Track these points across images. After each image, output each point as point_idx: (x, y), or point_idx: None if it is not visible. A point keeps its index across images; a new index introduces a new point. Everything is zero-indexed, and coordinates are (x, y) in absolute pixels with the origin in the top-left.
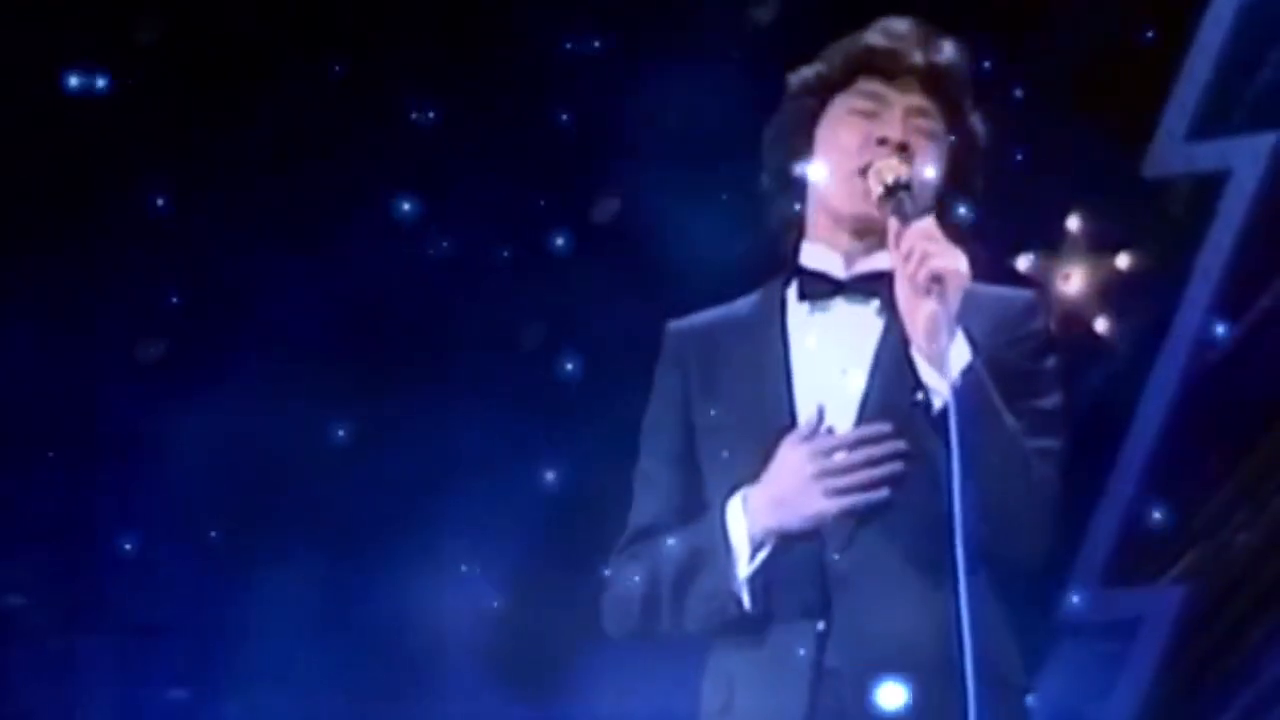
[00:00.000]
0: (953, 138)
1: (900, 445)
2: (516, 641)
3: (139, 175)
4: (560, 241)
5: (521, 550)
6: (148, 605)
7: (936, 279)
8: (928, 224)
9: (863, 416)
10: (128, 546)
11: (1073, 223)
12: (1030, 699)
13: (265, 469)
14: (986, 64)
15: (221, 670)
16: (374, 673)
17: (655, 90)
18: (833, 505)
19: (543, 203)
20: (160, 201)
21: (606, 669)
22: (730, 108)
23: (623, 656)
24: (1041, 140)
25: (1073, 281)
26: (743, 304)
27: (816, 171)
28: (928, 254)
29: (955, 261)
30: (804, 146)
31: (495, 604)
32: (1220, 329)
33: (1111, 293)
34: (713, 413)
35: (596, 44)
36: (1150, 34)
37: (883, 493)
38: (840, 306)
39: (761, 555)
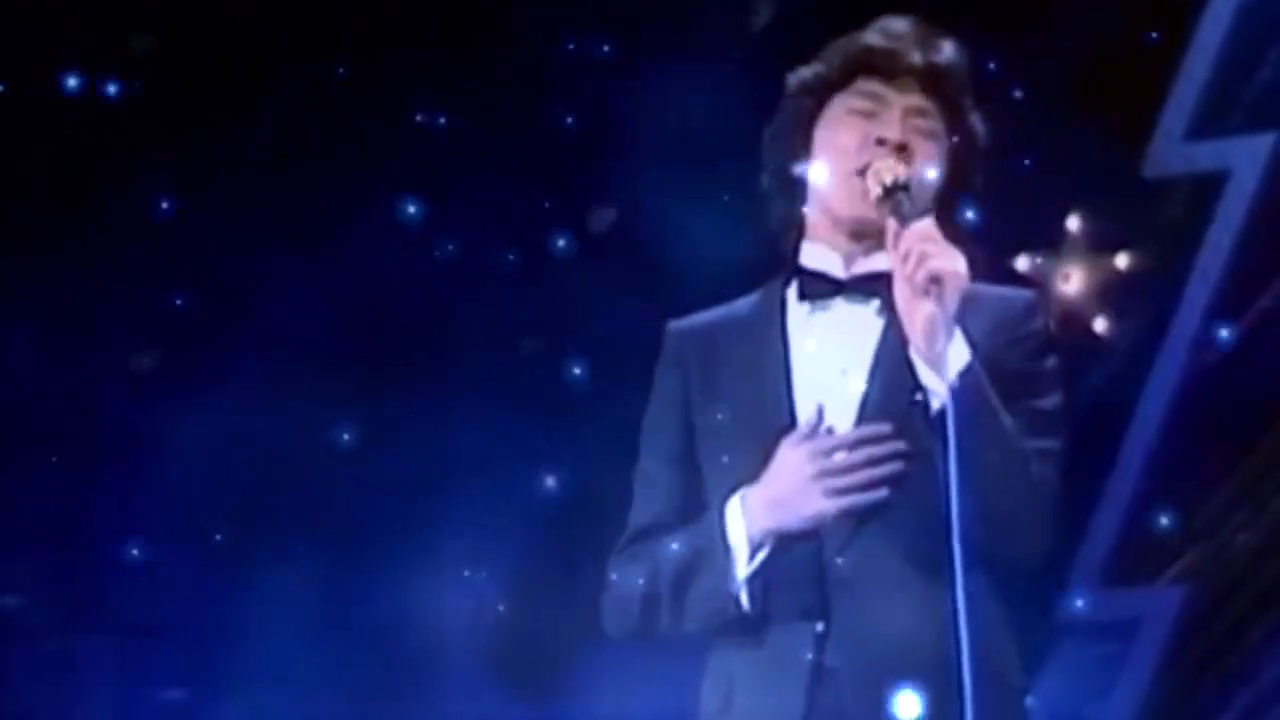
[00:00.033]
0: (952, 138)
1: (900, 445)
2: (516, 641)
3: (142, 177)
4: (561, 243)
5: (522, 550)
6: (148, 605)
7: (935, 280)
8: (926, 225)
9: (862, 417)
10: (128, 547)
11: (1072, 223)
12: (1030, 699)
13: (266, 469)
14: (988, 64)
15: (221, 670)
16: (374, 673)
17: (656, 91)
18: (832, 505)
19: (544, 204)
20: (164, 204)
21: (606, 669)
22: (730, 108)
23: (623, 656)
24: (1041, 140)
25: (1072, 281)
26: (743, 304)
27: (815, 172)
28: (926, 255)
29: (954, 262)
30: (803, 147)
31: (500, 608)
32: (1220, 329)
33: (1111, 293)
34: (713, 413)
35: (598, 46)
36: (1150, 34)
37: (882, 493)
38: (840, 307)
39: (761, 556)
